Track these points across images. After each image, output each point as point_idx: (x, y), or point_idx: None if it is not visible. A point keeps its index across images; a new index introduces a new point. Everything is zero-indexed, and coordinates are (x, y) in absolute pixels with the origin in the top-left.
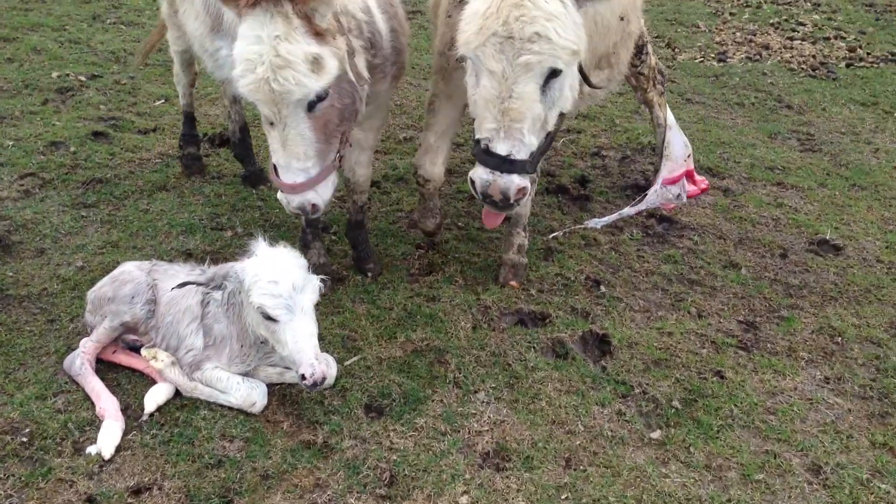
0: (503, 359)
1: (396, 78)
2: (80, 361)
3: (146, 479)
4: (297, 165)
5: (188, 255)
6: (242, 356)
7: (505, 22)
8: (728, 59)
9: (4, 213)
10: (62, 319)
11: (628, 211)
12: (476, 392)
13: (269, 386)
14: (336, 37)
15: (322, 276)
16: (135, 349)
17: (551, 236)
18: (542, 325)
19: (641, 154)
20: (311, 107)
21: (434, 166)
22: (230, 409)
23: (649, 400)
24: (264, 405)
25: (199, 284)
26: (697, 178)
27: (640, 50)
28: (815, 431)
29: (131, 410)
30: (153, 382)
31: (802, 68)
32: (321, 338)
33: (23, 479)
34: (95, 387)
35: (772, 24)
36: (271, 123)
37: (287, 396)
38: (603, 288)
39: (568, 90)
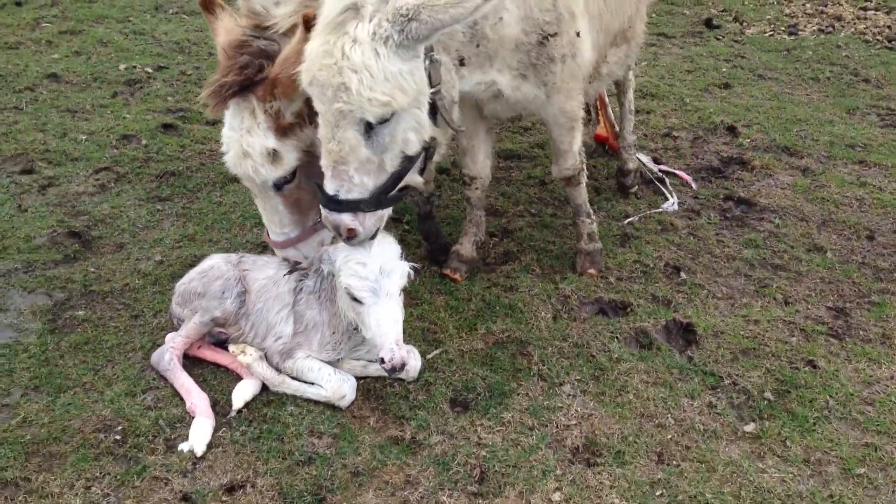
0: (586, 350)
1: None
2: (169, 357)
3: (239, 476)
4: (276, 230)
5: (263, 248)
6: (334, 343)
7: (320, 68)
8: (799, 32)
9: (83, 208)
10: (146, 315)
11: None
12: (561, 385)
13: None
14: (304, 129)
15: (412, 264)
16: (220, 343)
17: (626, 221)
18: (623, 314)
19: (714, 134)
20: (277, 188)
21: (476, 164)
22: (317, 404)
23: (740, 391)
24: (352, 399)
25: (304, 270)
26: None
27: None
28: None
29: (219, 407)
30: (238, 378)
31: (878, 39)
32: (402, 330)
33: (118, 477)
34: (185, 383)
35: None
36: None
37: (372, 391)
38: (683, 274)
39: (410, 133)
